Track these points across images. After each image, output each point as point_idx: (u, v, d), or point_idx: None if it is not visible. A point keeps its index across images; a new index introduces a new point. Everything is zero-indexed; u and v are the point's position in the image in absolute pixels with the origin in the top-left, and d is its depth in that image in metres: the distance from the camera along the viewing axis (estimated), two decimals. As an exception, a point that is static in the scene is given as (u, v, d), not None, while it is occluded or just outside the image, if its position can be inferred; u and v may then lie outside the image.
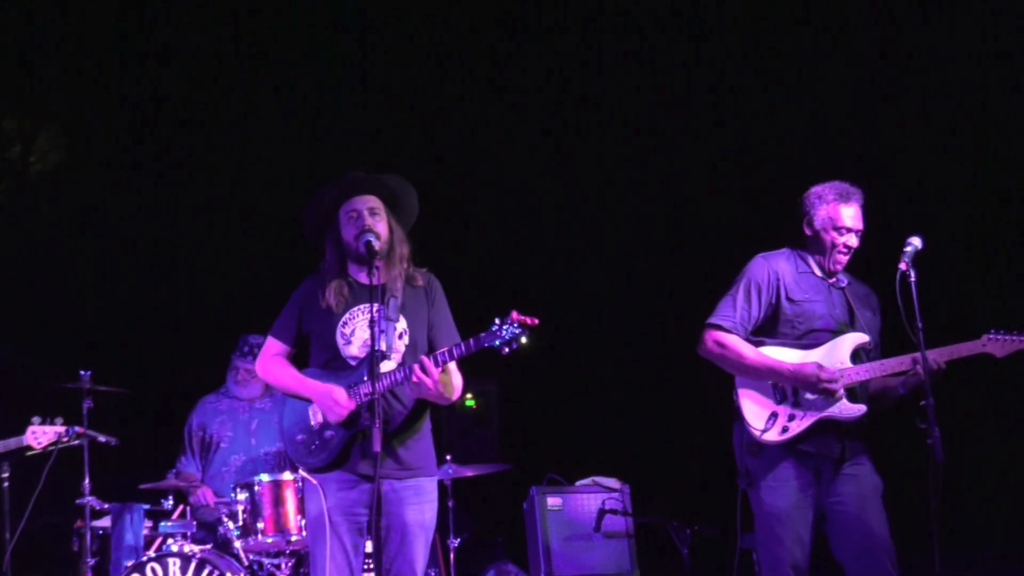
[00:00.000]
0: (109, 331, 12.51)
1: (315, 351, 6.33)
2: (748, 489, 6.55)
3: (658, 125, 12.35)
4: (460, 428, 11.81)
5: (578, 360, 12.31)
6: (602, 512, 9.45)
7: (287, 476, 8.26)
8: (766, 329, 6.63)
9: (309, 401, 6.22)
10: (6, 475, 8.46)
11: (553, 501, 9.72)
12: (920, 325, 6.15)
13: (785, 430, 6.42)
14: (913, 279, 6.20)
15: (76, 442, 8.57)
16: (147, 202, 13.55)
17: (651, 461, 11.63)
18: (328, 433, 6.13)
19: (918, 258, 6.28)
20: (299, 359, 6.42)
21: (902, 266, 6.24)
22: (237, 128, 13.61)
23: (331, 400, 6.09)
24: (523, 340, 5.82)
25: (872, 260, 6.83)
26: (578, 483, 9.96)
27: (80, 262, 13.50)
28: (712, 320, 6.66)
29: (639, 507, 9.94)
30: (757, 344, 6.59)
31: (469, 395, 12.01)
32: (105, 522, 8.78)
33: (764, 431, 6.46)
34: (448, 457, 9.28)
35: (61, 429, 8.28)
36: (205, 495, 9.05)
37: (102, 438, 8.64)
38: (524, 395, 12.34)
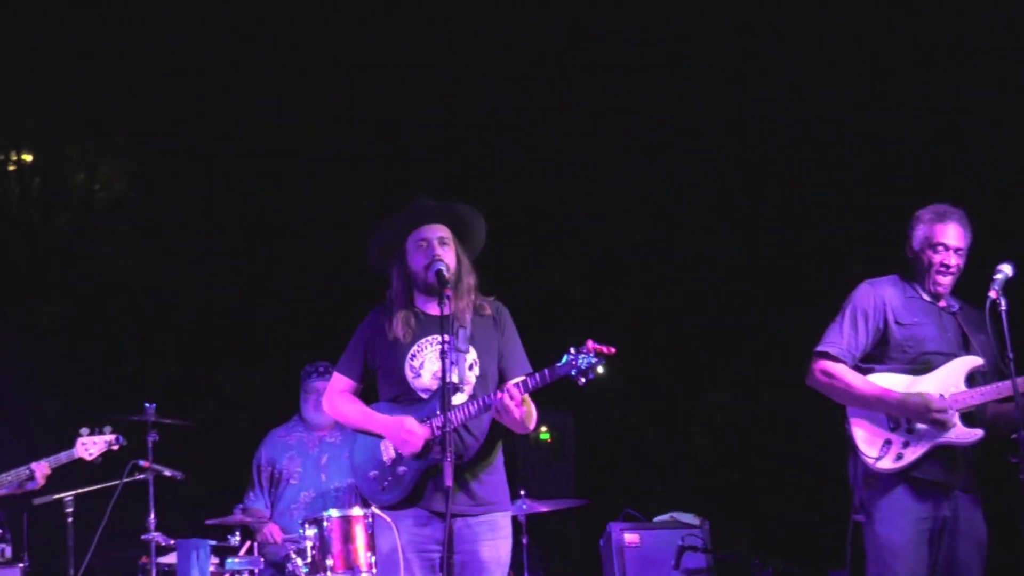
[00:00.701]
0: (174, 363, 12.60)
1: (383, 385, 6.30)
2: (864, 522, 6.52)
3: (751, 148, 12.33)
4: (535, 462, 11.76)
5: (656, 392, 12.28)
6: (681, 549, 9.40)
7: (357, 512, 8.24)
8: (876, 356, 6.63)
9: (380, 437, 6.22)
10: (71, 510, 8.55)
11: (631, 537, 9.69)
12: (1011, 355, 6.12)
13: (900, 457, 6.39)
14: (1004, 307, 6.18)
15: (141, 476, 8.65)
16: (212, 231, 13.65)
17: (732, 496, 11.56)
18: (401, 469, 6.11)
19: (1009, 285, 6.27)
20: (368, 396, 6.44)
21: (992, 294, 6.22)
22: (303, 155, 13.69)
23: (403, 431, 6.04)
24: (599, 370, 5.78)
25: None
26: (656, 519, 9.93)
27: (144, 292, 13.61)
28: (819, 348, 6.66)
29: (719, 544, 9.89)
30: (867, 371, 6.59)
31: (544, 428, 11.98)
32: (171, 558, 8.79)
33: (878, 459, 6.42)
34: (523, 492, 9.25)
35: (111, 437, 8.36)
36: (272, 533, 9.07)
37: (168, 472, 8.71)
38: (601, 428, 12.30)
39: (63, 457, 8.27)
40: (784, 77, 11.92)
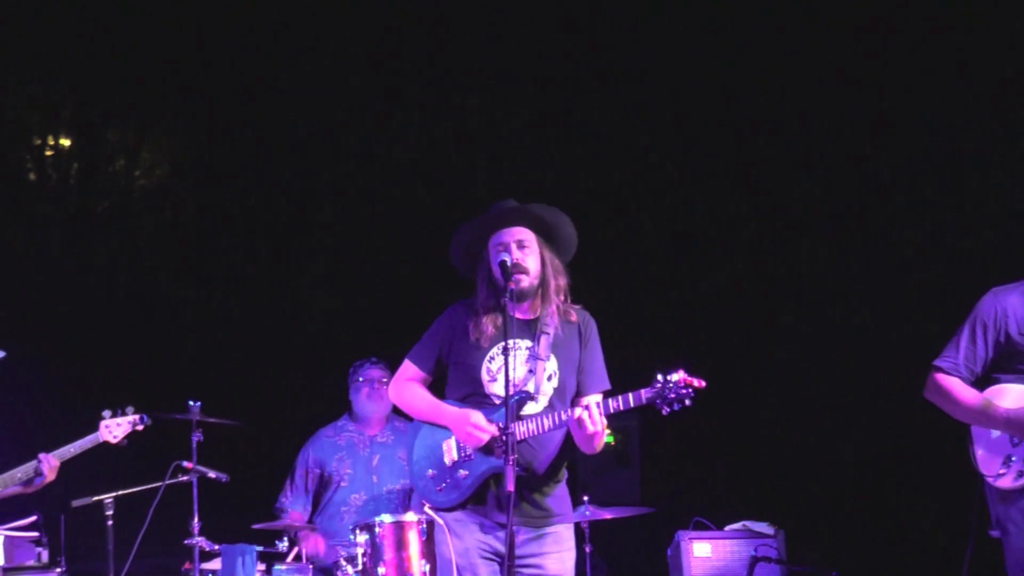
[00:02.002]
0: (220, 359, 12.62)
1: (454, 383, 6.35)
2: (1001, 538, 6.46)
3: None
4: (599, 467, 11.73)
5: (727, 394, 12.21)
6: (754, 560, 9.34)
7: (410, 517, 8.22)
8: (1004, 366, 6.53)
9: (444, 434, 6.24)
10: (110, 513, 8.56)
11: (700, 547, 9.65)
12: None
13: (1021, 475, 6.32)
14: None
15: (184, 478, 8.66)
16: (259, 220, 13.67)
17: (807, 504, 11.49)
18: (461, 473, 6.14)
19: None
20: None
21: None
22: (358, 144, 13.70)
23: (470, 424, 6.09)
24: (687, 403, 5.83)
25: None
26: (728, 528, 9.88)
27: (187, 282, 13.64)
28: (935, 362, 6.63)
29: (794, 555, 9.84)
30: (992, 381, 6.51)
31: (608, 431, 11.94)
32: (215, 564, 8.78)
33: (998, 476, 6.37)
34: (585, 498, 9.20)
35: (134, 418, 8.33)
36: (316, 544, 9.08)
37: (212, 474, 8.70)
38: (668, 432, 12.24)
39: (87, 442, 8.26)
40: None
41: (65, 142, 15.22)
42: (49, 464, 8.11)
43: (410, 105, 13.60)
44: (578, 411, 5.94)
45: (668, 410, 5.82)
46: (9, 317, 11.12)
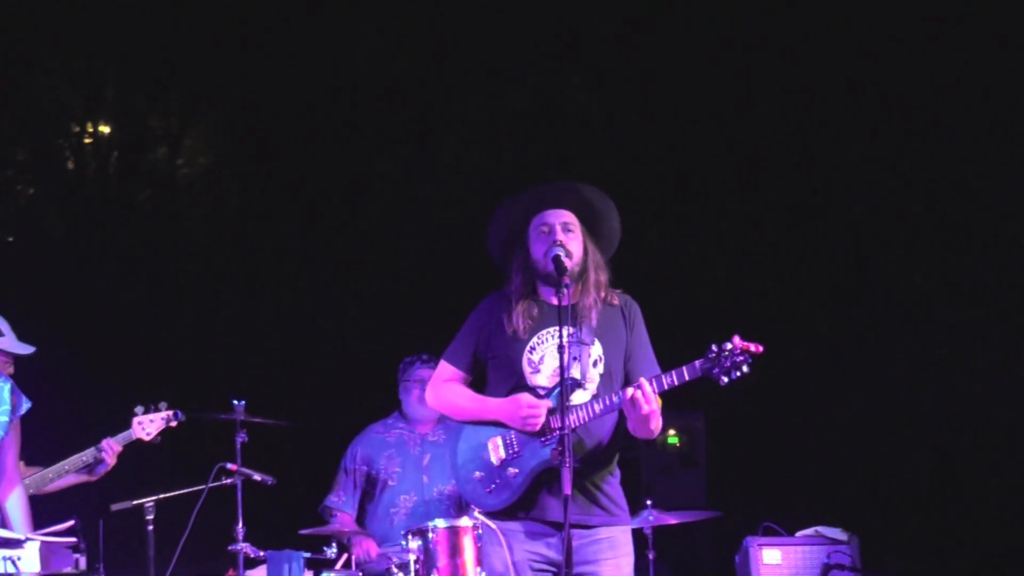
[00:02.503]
0: (265, 356, 12.63)
1: (496, 379, 6.26)
2: None
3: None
4: (662, 469, 11.66)
5: (798, 392, 12.16)
6: (827, 567, 9.29)
7: (465, 522, 8.19)
8: None
9: (488, 432, 6.16)
10: (151, 517, 8.55)
11: (770, 554, 9.59)
12: None
13: None
14: None
15: (228, 481, 8.65)
16: (306, 211, 13.69)
17: (883, 508, 11.42)
18: (511, 471, 6.07)
19: None
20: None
21: None
22: (405, 138, 13.72)
23: (522, 408, 6.01)
24: (745, 370, 5.72)
25: None
26: (799, 533, 9.82)
27: (230, 275, 13.67)
28: None
29: (869, 562, 9.78)
30: None
31: (672, 431, 11.89)
32: (261, 572, 8.78)
33: None
34: (649, 502, 9.16)
35: (168, 414, 8.31)
36: (368, 549, 9.05)
37: (257, 476, 8.67)
38: (736, 432, 12.21)
39: (120, 439, 8.26)
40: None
41: (104, 129, 15.27)
42: (112, 449, 8.15)
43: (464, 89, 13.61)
44: (630, 390, 5.82)
45: (726, 380, 5.73)
46: (46, 311, 11.14)
